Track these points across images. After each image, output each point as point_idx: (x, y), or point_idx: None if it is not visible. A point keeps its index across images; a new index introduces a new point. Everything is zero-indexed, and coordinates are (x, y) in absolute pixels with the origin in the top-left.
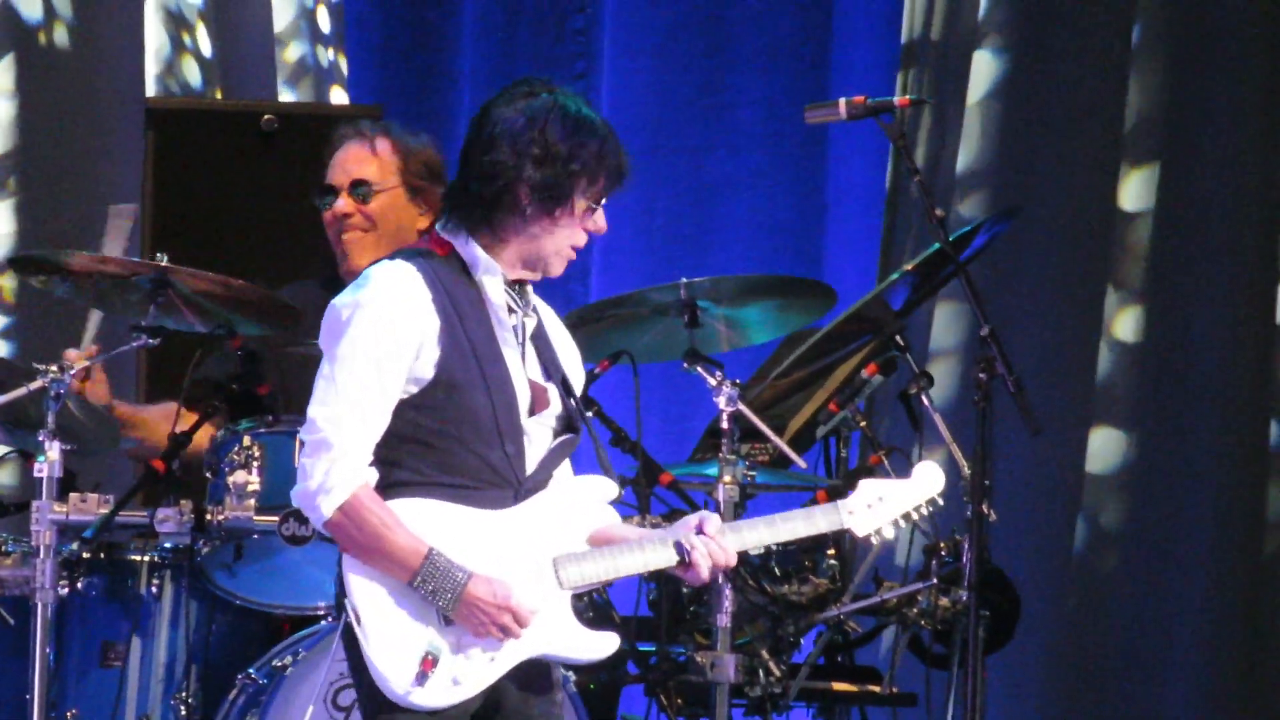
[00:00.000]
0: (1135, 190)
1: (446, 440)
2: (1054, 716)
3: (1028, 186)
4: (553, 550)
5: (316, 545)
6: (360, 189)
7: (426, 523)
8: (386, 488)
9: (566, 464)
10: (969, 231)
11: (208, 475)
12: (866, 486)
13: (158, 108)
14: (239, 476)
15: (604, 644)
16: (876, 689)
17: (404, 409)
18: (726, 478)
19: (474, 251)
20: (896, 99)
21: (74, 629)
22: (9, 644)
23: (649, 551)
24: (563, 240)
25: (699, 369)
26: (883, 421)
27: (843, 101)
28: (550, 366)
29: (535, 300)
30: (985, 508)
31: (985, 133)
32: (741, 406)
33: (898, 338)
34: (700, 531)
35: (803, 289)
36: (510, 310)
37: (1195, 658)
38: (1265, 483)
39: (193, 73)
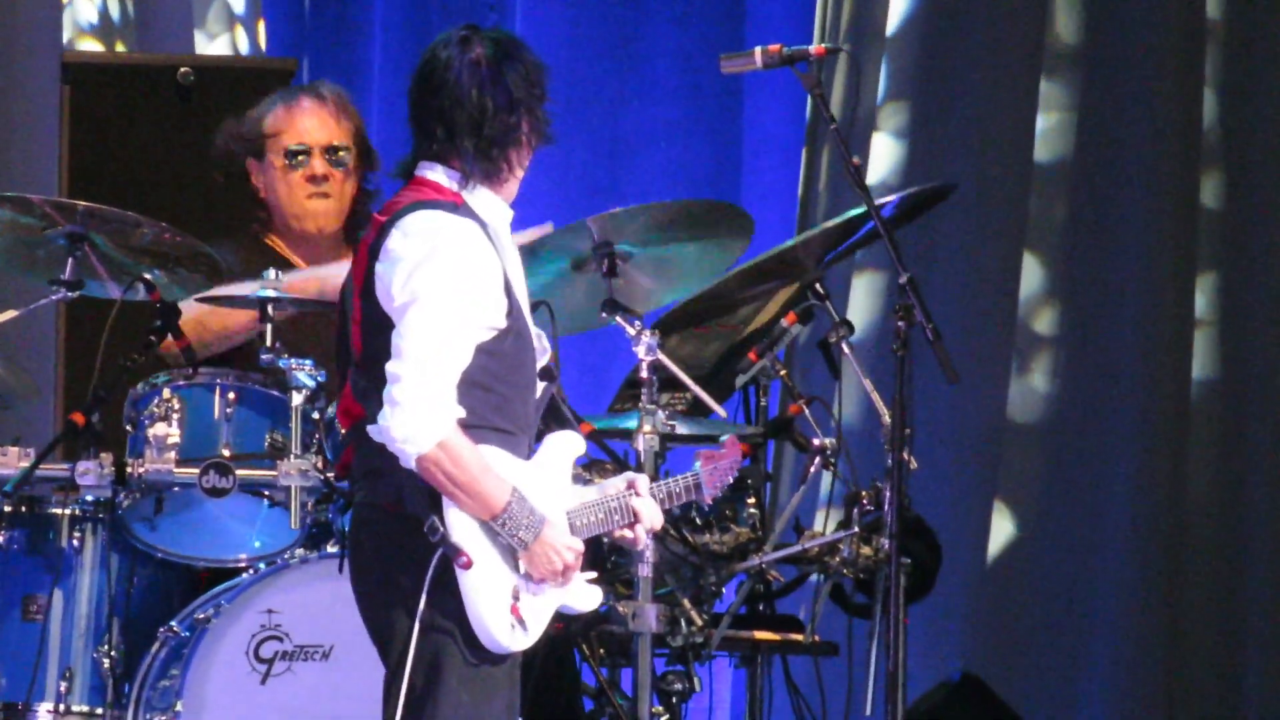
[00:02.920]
0: (1053, 135)
1: (506, 386)
2: (976, 665)
3: (945, 132)
4: (563, 500)
5: (236, 498)
6: (337, 155)
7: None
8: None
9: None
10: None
11: (128, 428)
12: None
13: (74, 62)
14: (159, 429)
15: (597, 595)
16: (799, 638)
17: (476, 352)
18: (647, 427)
19: (493, 201)
20: (812, 48)
21: None
22: None
23: (615, 511)
24: (514, 189)
25: (618, 318)
26: (802, 370)
27: (758, 50)
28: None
29: None
30: (906, 456)
31: (903, 77)
32: (661, 355)
33: (817, 286)
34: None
35: (718, 215)
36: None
37: (1117, 605)
38: (1186, 424)
39: (109, 27)
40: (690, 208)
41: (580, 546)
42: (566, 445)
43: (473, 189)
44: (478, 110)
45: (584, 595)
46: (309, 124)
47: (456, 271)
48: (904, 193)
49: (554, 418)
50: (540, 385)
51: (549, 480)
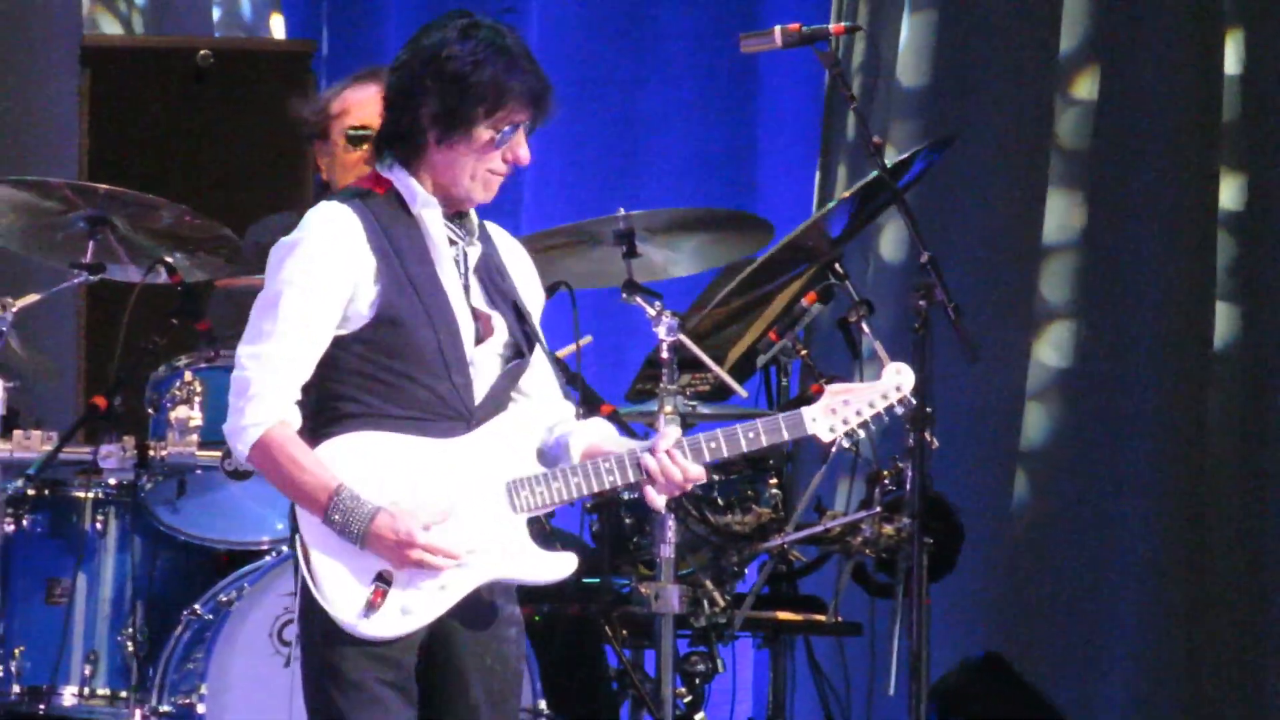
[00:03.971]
0: (1073, 114)
1: (394, 375)
2: (998, 644)
3: (965, 110)
4: (506, 475)
5: (259, 480)
6: None
7: (371, 455)
8: (340, 419)
9: (543, 387)
10: (906, 159)
11: (150, 411)
12: (831, 390)
13: (93, 45)
14: (181, 412)
15: (561, 565)
16: (821, 618)
17: (351, 344)
18: (667, 408)
19: (409, 185)
20: (831, 26)
21: (19, 566)
22: None
23: (604, 473)
24: (474, 168)
25: (638, 299)
26: (823, 350)
27: (778, 29)
28: (498, 294)
29: (489, 227)
30: (927, 435)
31: (922, 57)
32: (681, 336)
33: (836, 266)
34: (661, 474)
35: (740, 223)
36: (451, 241)
37: (1139, 581)
38: (1206, 400)
39: (128, 10)
40: (715, 215)
41: (413, 534)
42: (536, 414)
43: (400, 176)
44: (391, 98)
45: (532, 567)
46: (371, 105)
47: (300, 272)
48: (910, 152)
49: (585, 401)
50: (480, 362)
51: (483, 456)
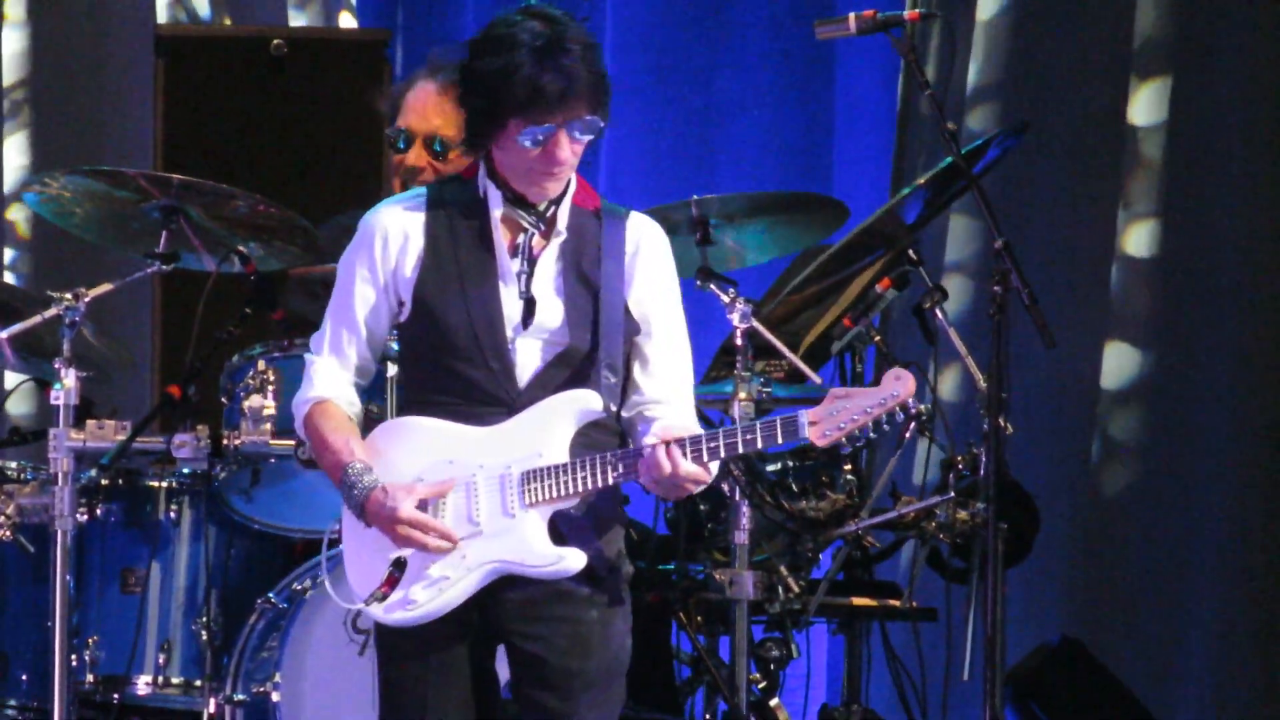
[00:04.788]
0: (1147, 102)
1: (434, 360)
2: (1074, 629)
3: (1039, 99)
4: (528, 465)
5: None
6: (436, 145)
7: (406, 438)
8: (406, 404)
9: (645, 376)
10: (980, 145)
11: (224, 400)
12: (832, 394)
13: (167, 35)
14: (254, 401)
15: (565, 561)
16: (896, 603)
17: (404, 332)
18: (742, 395)
19: (481, 175)
20: (906, 13)
21: (94, 556)
22: (30, 572)
23: (610, 468)
24: (520, 167)
25: (712, 286)
26: (897, 336)
27: (852, 16)
28: (577, 283)
29: (615, 214)
30: (1002, 421)
31: (995, 46)
32: (756, 323)
33: (911, 252)
34: (651, 469)
35: (814, 205)
36: (523, 229)
37: (1216, 567)
38: None
39: (201, 1)
40: (789, 198)
41: (398, 509)
42: (566, 404)
43: (479, 163)
44: (461, 92)
45: (537, 559)
46: (416, 106)
47: (356, 257)
48: (984, 136)
49: None
50: (525, 349)
51: (511, 444)
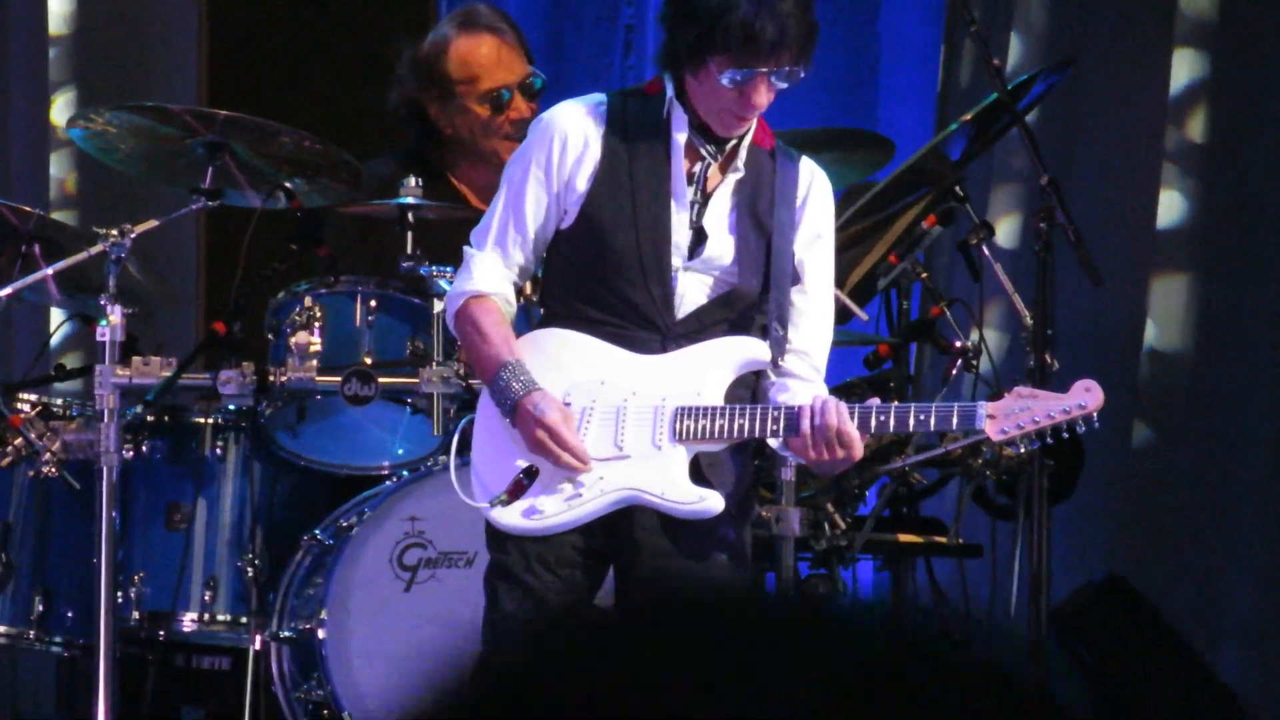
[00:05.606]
0: (1192, 38)
1: (593, 276)
2: (1119, 566)
3: (1084, 35)
4: (680, 400)
5: (379, 405)
6: (533, 88)
7: (558, 351)
8: (551, 316)
9: (795, 329)
10: (1026, 81)
11: (269, 337)
12: (1016, 393)
13: None
14: (300, 338)
15: (706, 503)
16: (942, 540)
17: (561, 241)
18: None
19: (669, 97)
20: None
21: (139, 492)
22: (75, 508)
23: (770, 420)
24: (713, 103)
25: None
26: (943, 273)
27: None
28: (751, 222)
29: (789, 158)
30: (1048, 357)
31: None
32: None
33: (956, 188)
34: (815, 416)
35: (859, 140)
36: (701, 158)
37: (1260, 503)
38: None
39: None
40: (834, 134)
41: (546, 417)
42: (732, 348)
43: (668, 83)
44: (665, 19)
45: (673, 495)
46: (497, 63)
47: (530, 154)
48: (1030, 74)
49: None
50: (689, 279)
51: (666, 376)
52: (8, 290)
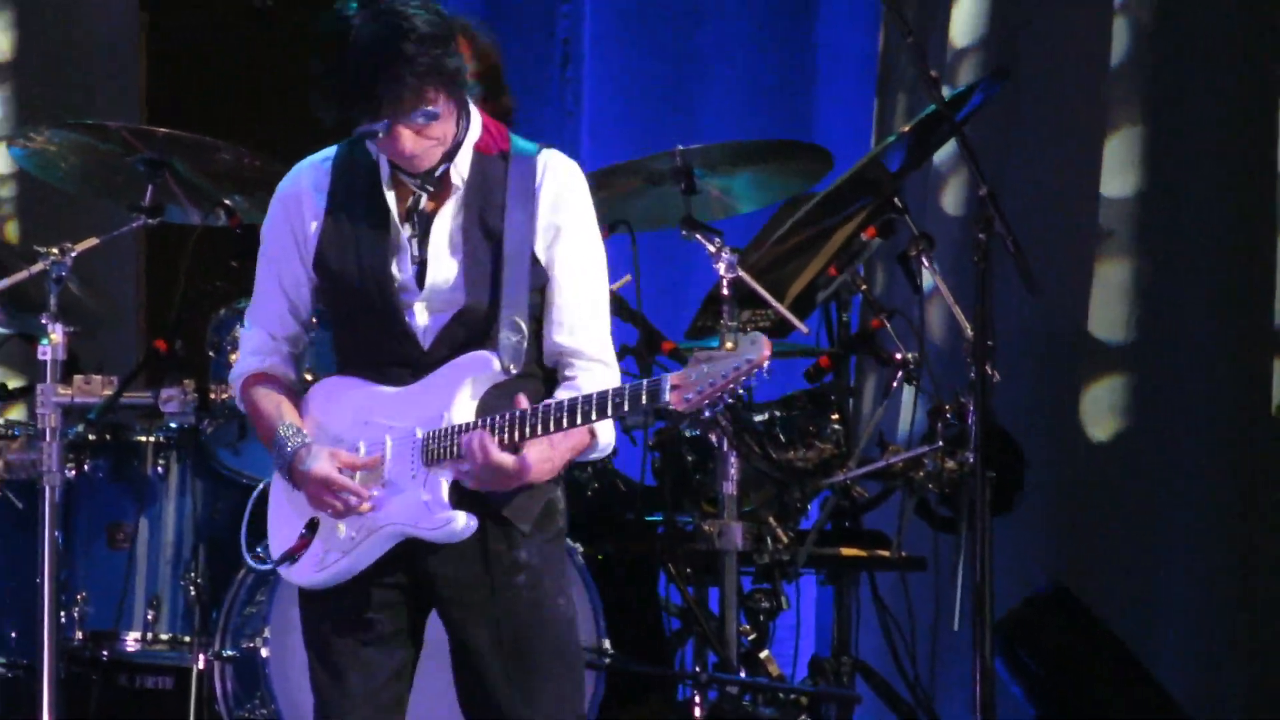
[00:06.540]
0: (1125, 43)
1: (347, 324)
2: (1061, 576)
3: (1021, 45)
4: (430, 425)
5: None
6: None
7: (331, 399)
8: (337, 366)
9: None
10: (963, 92)
11: (211, 354)
12: (695, 358)
13: None
14: None
15: (451, 525)
16: (885, 553)
17: (321, 295)
18: (728, 344)
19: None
20: None
21: (81, 511)
22: (18, 527)
23: (497, 431)
24: (382, 150)
25: (697, 236)
26: (882, 284)
27: None
28: (479, 238)
29: (523, 159)
30: (989, 368)
31: None
32: (741, 273)
33: (895, 200)
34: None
35: (799, 153)
36: (415, 191)
37: (1196, 511)
38: (1270, 329)
39: None
40: (773, 146)
41: (316, 469)
42: (465, 366)
43: None
44: None
45: (431, 523)
46: None
47: (268, 225)
48: (964, 86)
49: (646, 338)
50: (423, 310)
51: (415, 405)
52: None
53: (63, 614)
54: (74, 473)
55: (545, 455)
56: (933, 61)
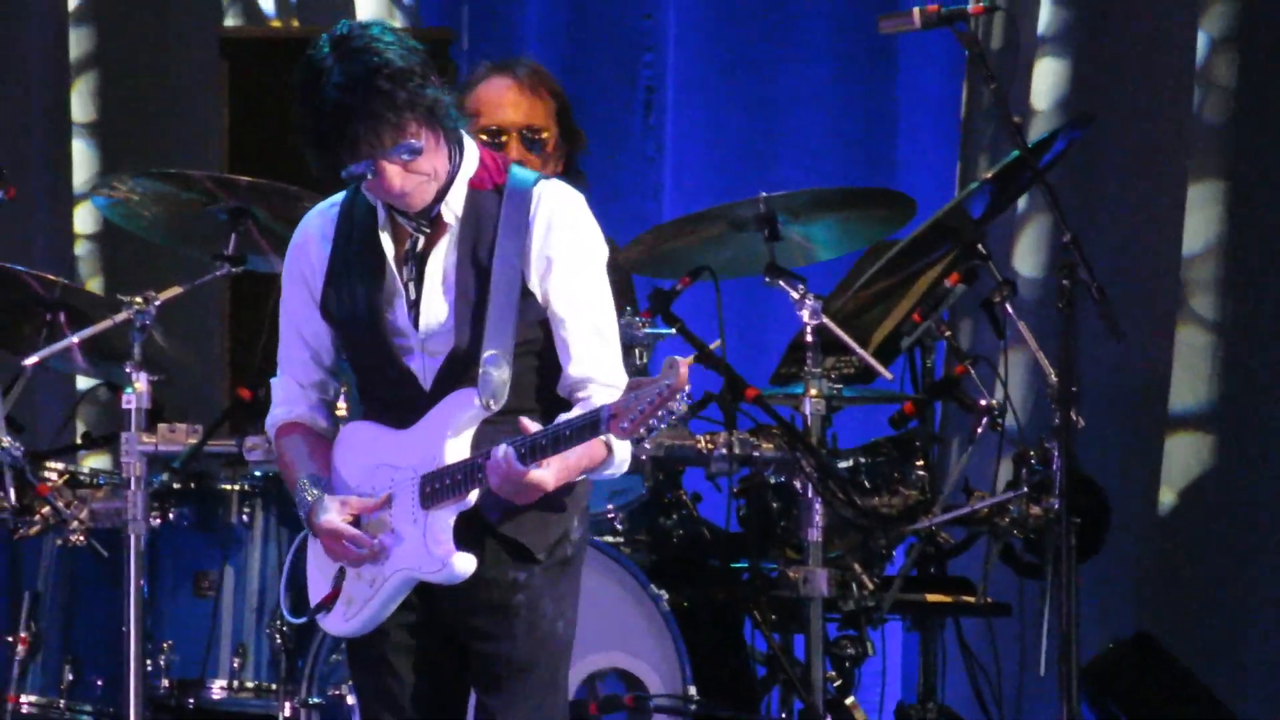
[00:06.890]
0: (1214, 92)
1: (359, 368)
2: (1147, 623)
3: (1105, 90)
4: (426, 467)
5: None
6: (532, 136)
7: (350, 443)
8: (362, 411)
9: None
10: (1046, 138)
11: None
12: (629, 384)
13: (231, 37)
14: None
15: (448, 568)
16: (971, 599)
17: (338, 340)
18: (812, 391)
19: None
20: (970, 6)
21: (166, 560)
22: (103, 576)
23: (477, 471)
24: (370, 191)
25: (781, 283)
26: (967, 331)
27: (917, 10)
28: (472, 277)
29: (519, 194)
30: (1072, 414)
31: (1061, 37)
32: (825, 320)
33: (979, 246)
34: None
35: (882, 200)
36: (411, 234)
37: None
38: None
39: (266, 1)
40: (857, 193)
41: (323, 521)
42: (451, 406)
43: None
44: None
45: (433, 566)
46: (499, 103)
47: (285, 277)
48: (1049, 132)
49: (730, 385)
50: (422, 351)
51: (416, 448)
52: (34, 359)
53: (149, 662)
54: (159, 521)
55: (561, 468)
56: (1015, 106)
